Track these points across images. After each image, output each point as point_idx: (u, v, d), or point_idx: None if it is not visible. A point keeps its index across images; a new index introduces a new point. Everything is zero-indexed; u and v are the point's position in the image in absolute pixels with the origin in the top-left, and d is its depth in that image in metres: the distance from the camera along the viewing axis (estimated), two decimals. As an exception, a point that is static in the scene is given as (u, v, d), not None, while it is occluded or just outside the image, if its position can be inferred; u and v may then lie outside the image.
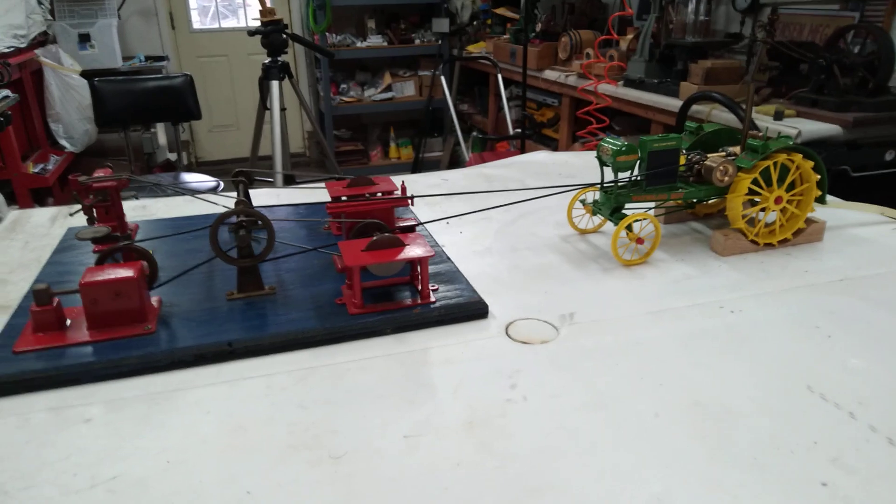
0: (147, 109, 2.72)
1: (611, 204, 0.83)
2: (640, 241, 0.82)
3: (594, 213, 0.88)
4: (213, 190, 2.57)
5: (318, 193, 1.06)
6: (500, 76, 3.78)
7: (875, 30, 2.16)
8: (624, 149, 0.80)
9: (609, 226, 0.92)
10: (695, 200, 0.86)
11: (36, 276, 0.81)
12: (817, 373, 0.60)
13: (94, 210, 0.77)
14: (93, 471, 0.51)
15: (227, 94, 4.95)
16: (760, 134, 0.83)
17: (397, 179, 0.87)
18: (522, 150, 3.14)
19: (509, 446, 0.52)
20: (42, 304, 0.65)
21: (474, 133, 3.69)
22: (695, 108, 2.54)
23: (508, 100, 3.76)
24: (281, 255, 0.77)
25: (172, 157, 4.53)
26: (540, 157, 1.29)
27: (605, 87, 3.01)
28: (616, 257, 0.81)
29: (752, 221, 0.85)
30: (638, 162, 0.82)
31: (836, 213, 0.95)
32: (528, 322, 0.70)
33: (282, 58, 2.64)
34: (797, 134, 2.15)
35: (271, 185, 2.88)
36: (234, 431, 0.55)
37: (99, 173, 0.85)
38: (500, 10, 4.16)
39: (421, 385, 0.60)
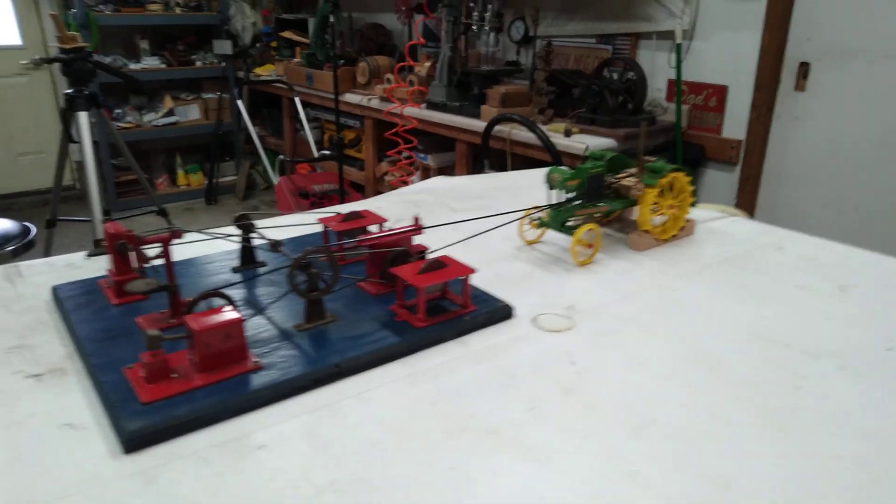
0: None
1: (561, 218, 1.06)
2: (589, 245, 1.06)
3: (539, 227, 1.10)
4: (25, 236, 2.32)
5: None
6: (297, 99, 3.87)
7: (632, 63, 2.72)
8: (569, 175, 1.04)
9: (549, 235, 1.15)
10: (610, 210, 1.13)
11: (73, 336, 0.80)
12: (748, 322, 0.89)
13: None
14: (307, 480, 0.60)
15: (-32, 123, 4.31)
16: (653, 159, 1.12)
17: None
18: (340, 171, 3.28)
19: (600, 397, 0.72)
20: (154, 348, 0.68)
21: (280, 156, 3.72)
22: (497, 127, 2.92)
23: (308, 121, 3.86)
24: (338, 287, 0.87)
25: None
26: (441, 183, 1.48)
27: (410, 110, 3.28)
28: (574, 259, 1.05)
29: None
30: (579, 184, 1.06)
31: (692, 212, 1.29)
32: (545, 316, 0.90)
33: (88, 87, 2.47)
34: (585, 147, 2.61)
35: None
36: (394, 429, 0.67)
37: (110, 228, 0.87)
38: (287, 34, 4.24)
39: (507, 372, 0.77)
